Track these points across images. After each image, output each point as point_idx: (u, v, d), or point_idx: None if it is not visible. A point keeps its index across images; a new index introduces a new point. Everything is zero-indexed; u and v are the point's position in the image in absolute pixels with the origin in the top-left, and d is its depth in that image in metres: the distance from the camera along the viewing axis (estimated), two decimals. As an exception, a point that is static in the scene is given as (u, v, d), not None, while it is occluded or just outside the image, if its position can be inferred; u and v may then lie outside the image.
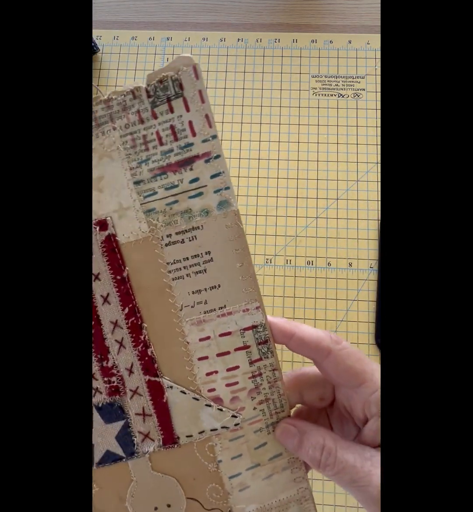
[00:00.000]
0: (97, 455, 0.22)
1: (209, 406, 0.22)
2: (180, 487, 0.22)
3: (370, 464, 0.19)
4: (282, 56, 0.49)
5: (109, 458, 0.22)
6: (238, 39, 0.50)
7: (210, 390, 0.22)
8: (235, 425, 0.22)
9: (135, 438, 0.22)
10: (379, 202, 0.45)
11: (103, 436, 0.22)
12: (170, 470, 0.22)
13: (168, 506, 0.23)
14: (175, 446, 0.22)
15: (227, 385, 0.22)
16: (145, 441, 0.22)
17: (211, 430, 0.22)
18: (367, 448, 0.20)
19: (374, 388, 0.20)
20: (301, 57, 0.49)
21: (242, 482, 0.22)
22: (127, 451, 0.22)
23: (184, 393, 0.21)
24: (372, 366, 0.21)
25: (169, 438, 0.22)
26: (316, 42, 0.49)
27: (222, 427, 0.22)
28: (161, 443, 0.22)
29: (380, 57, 0.48)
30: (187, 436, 0.22)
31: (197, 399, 0.22)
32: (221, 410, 0.22)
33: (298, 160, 0.46)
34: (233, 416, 0.22)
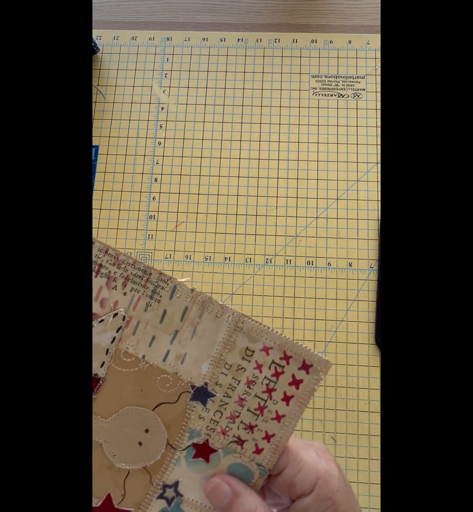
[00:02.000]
0: None
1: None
2: (139, 408, 0.22)
3: None
4: (282, 56, 0.49)
5: None
6: (238, 39, 0.50)
7: None
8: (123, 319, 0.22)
9: None
10: (379, 202, 0.45)
11: None
12: (118, 405, 0.22)
13: (147, 431, 0.22)
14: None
15: None
16: None
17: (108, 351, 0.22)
18: None
19: (297, 469, 0.20)
20: (301, 57, 0.49)
21: (177, 355, 0.22)
22: None
23: None
24: (295, 445, 0.21)
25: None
26: (316, 42, 0.49)
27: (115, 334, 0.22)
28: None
29: (380, 57, 0.48)
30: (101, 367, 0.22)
31: None
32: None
33: (298, 160, 0.46)
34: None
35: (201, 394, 0.21)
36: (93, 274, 0.22)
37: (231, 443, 0.21)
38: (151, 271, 0.21)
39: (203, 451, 0.22)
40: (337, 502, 0.19)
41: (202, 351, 0.21)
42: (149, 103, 0.49)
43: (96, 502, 0.22)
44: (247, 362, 0.21)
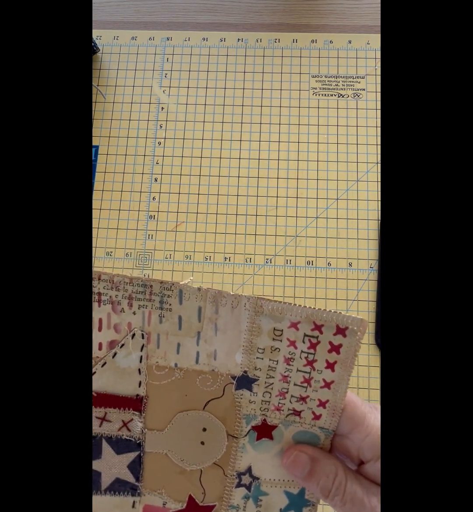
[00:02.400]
0: (105, 482, 0.23)
1: None
2: (190, 411, 0.22)
3: (376, 500, 0.19)
4: (282, 56, 0.49)
5: (120, 485, 0.23)
6: (238, 39, 0.50)
7: None
8: None
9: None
10: (379, 202, 0.45)
11: (114, 466, 0.22)
12: (169, 415, 0.22)
13: (204, 430, 0.22)
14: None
15: None
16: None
17: None
18: (373, 484, 0.20)
19: (365, 433, 0.20)
20: (301, 57, 0.49)
21: (208, 354, 0.22)
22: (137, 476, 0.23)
23: None
24: (362, 409, 0.21)
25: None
26: (316, 42, 0.49)
27: None
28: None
29: (380, 57, 0.48)
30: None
31: None
32: None
33: (298, 160, 0.46)
34: None
35: (244, 382, 0.22)
36: (96, 304, 0.21)
37: (289, 416, 0.22)
38: (151, 283, 0.21)
39: (264, 430, 0.22)
40: None
41: (231, 343, 0.21)
42: (149, 103, 0.49)
43: (180, 505, 0.23)
44: (279, 341, 0.21)
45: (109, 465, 0.23)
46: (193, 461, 0.22)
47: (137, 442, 0.22)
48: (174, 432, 0.22)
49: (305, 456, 0.20)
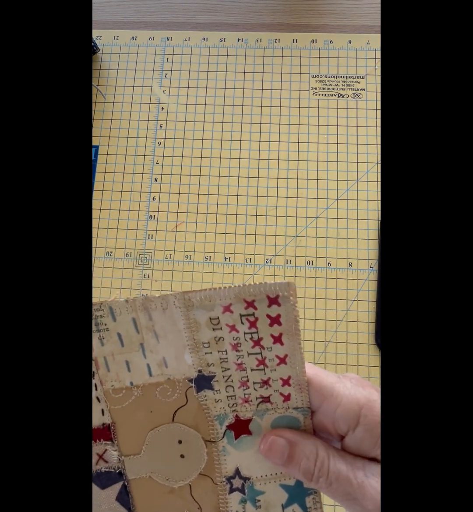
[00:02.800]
0: None
1: None
2: (160, 427, 0.21)
3: (363, 475, 0.18)
4: (282, 56, 0.49)
5: None
6: (238, 39, 0.50)
7: None
8: None
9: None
10: (379, 202, 0.45)
11: (102, 502, 0.22)
12: (141, 436, 0.22)
13: (180, 442, 0.22)
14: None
15: None
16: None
17: None
18: (357, 458, 0.19)
19: (336, 404, 0.19)
20: (301, 57, 0.49)
21: (158, 363, 0.21)
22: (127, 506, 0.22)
23: None
24: (329, 380, 0.20)
25: None
26: (316, 42, 0.49)
27: None
28: None
29: (380, 57, 0.48)
30: None
31: None
32: None
33: (298, 160, 0.46)
34: None
35: (203, 381, 0.21)
36: None
37: (260, 404, 0.21)
38: None
39: (240, 427, 0.21)
40: None
41: (176, 346, 0.21)
42: (149, 103, 0.49)
43: None
44: (219, 330, 0.20)
45: (98, 502, 0.22)
46: (179, 477, 0.22)
47: (118, 471, 0.22)
48: (151, 452, 0.22)
49: (282, 440, 0.19)
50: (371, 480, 0.18)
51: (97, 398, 0.21)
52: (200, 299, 0.20)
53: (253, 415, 0.21)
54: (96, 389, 0.21)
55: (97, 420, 0.21)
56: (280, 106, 0.48)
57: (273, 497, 0.21)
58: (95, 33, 0.51)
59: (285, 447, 0.19)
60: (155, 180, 0.47)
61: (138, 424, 0.21)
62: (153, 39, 0.51)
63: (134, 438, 0.22)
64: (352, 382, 0.20)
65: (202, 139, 0.48)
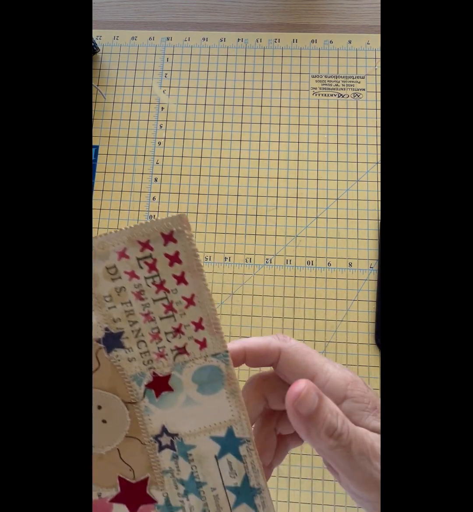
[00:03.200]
0: None
1: None
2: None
3: (373, 436, 0.19)
4: (282, 56, 0.49)
5: None
6: (238, 39, 0.50)
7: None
8: None
9: None
10: (379, 202, 0.45)
11: None
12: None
13: (99, 407, 0.20)
14: None
15: None
16: None
17: None
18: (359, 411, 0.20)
19: (326, 379, 0.20)
20: (301, 57, 0.49)
21: None
22: None
23: None
24: (321, 359, 0.21)
25: None
26: (316, 42, 0.49)
27: None
28: None
29: (380, 57, 0.48)
30: None
31: None
32: None
33: (298, 160, 0.46)
34: None
35: (111, 340, 0.19)
36: None
37: (176, 357, 0.20)
38: None
39: (159, 384, 0.20)
40: (373, 397, 0.20)
41: None
42: (149, 103, 0.49)
43: (114, 490, 0.21)
44: (119, 279, 0.19)
45: None
46: (104, 443, 0.20)
47: None
48: None
49: (314, 391, 0.19)
50: (378, 443, 0.18)
51: None
52: (94, 249, 0.18)
53: (171, 370, 0.20)
54: None
55: None
56: (280, 106, 0.48)
57: (204, 449, 0.20)
58: (95, 33, 0.51)
59: (315, 397, 0.18)
60: (155, 180, 0.47)
61: None
62: (153, 39, 0.51)
63: None
64: (337, 365, 0.21)
65: (202, 139, 0.48)
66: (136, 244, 0.18)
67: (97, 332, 0.19)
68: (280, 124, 0.48)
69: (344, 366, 0.22)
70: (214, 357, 0.20)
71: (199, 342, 0.20)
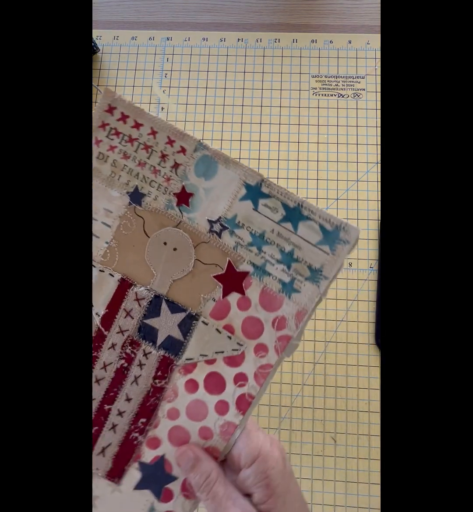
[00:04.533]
0: (160, 339, 0.25)
1: None
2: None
3: (231, 503, 0.23)
4: (282, 56, 0.49)
5: (170, 343, 0.24)
6: (238, 39, 0.50)
7: None
8: None
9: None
10: (379, 202, 0.45)
11: (167, 325, 0.24)
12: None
13: (165, 243, 0.24)
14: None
15: None
16: None
17: None
18: (237, 492, 0.24)
19: (246, 444, 0.24)
20: (301, 57, 0.49)
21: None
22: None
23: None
24: (251, 426, 0.25)
25: None
26: (316, 42, 0.49)
27: None
28: None
29: (380, 57, 0.48)
30: None
31: None
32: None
33: (298, 160, 0.46)
34: None
35: (135, 196, 0.24)
36: None
37: (177, 171, 0.24)
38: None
39: (183, 197, 0.24)
40: (270, 476, 0.23)
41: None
42: (149, 103, 0.49)
43: (218, 289, 0.24)
44: (108, 157, 0.24)
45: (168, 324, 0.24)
46: (187, 262, 0.24)
47: (156, 295, 0.24)
48: (158, 267, 0.24)
49: (191, 453, 0.24)
50: (234, 509, 0.23)
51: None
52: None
53: (181, 182, 0.24)
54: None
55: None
56: (280, 106, 0.48)
57: (243, 210, 0.24)
58: (95, 33, 0.51)
59: (191, 459, 0.24)
60: (155, 180, 0.47)
61: (136, 253, 0.24)
62: (153, 39, 0.51)
63: (140, 266, 0.24)
64: (265, 437, 0.25)
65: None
66: (99, 129, 0.23)
67: (123, 200, 0.24)
68: (280, 124, 0.47)
69: (272, 436, 0.26)
70: (196, 152, 0.24)
71: (181, 150, 0.24)
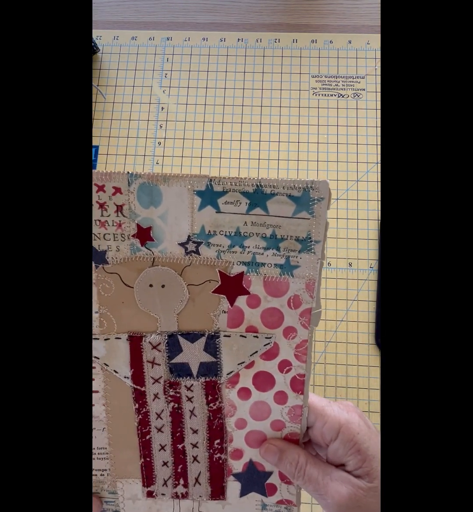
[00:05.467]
0: (194, 370, 0.25)
1: None
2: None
3: (329, 479, 0.24)
4: (282, 56, 0.49)
5: (205, 368, 0.25)
6: (238, 39, 0.50)
7: None
8: None
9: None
10: (379, 202, 0.45)
11: (194, 355, 0.24)
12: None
13: (163, 286, 0.23)
14: None
15: None
16: None
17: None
18: (330, 466, 0.25)
19: (323, 422, 0.25)
20: (301, 57, 0.49)
21: None
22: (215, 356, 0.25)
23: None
24: (321, 403, 0.26)
25: None
26: (316, 42, 0.49)
27: None
28: None
29: (380, 57, 0.48)
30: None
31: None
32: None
33: (298, 160, 0.46)
34: None
35: (98, 257, 0.23)
36: None
37: (124, 216, 0.23)
38: None
39: (143, 235, 0.22)
40: (358, 442, 0.24)
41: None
42: (149, 103, 0.49)
43: (216, 282, 0.23)
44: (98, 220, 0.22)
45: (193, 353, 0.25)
46: (178, 293, 0.23)
47: (170, 333, 0.24)
48: (155, 304, 0.24)
49: (274, 447, 0.26)
50: (333, 483, 0.24)
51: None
52: None
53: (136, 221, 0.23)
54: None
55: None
56: (280, 106, 0.48)
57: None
58: (95, 33, 0.51)
59: (276, 452, 0.26)
60: (155, 180, 0.47)
61: (129, 307, 0.23)
62: (153, 39, 0.51)
63: (140, 317, 0.24)
64: (340, 407, 0.26)
65: (202, 139, 0.48)
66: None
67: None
68: (280, 124, 0.47)
69: (346, 403, 0.26)
70: (130, 185, 0.22)
71: (116, 190, 0.21)
